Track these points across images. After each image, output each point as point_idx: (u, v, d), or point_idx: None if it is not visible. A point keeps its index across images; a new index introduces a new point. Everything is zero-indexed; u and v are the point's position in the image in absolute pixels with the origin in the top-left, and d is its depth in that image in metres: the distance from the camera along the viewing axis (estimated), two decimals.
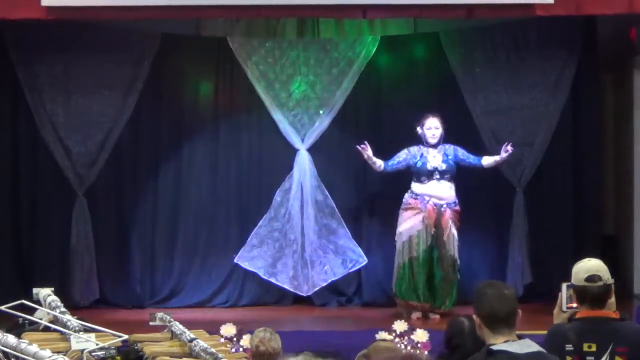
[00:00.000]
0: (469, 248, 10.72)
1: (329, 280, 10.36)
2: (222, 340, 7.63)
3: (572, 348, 4.44)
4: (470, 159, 9.77)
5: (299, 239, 10.35)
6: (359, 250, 10.34)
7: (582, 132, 10.59)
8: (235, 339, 8.36)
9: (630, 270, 10.39)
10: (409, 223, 9.64)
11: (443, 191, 9.63)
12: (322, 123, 10.44)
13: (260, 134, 10.80)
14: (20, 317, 5.29)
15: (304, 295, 10.41)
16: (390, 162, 9.72)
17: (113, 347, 4.57)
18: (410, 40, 10.82)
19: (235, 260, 10.44)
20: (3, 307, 4.98)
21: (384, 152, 10.21)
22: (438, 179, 9.62)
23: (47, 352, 3.48)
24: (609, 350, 4.46)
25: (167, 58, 10.53)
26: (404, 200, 9.73)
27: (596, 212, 10.71)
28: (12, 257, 10.42)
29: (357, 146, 9.64)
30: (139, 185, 10.75)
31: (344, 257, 10.41)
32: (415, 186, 9.70)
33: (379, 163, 9.70)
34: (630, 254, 10.46)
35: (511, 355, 3.82)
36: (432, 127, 9.71)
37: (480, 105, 10.37)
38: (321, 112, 10.47)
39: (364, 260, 10.34)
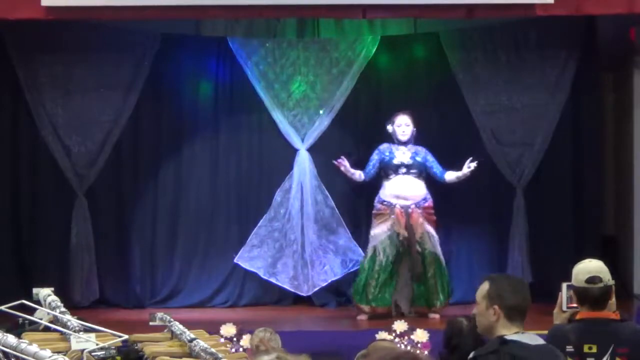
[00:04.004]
0: (469, 248, 10.73)
1: (329, 280, 10.37)
2: (222, 340, 7.63)
3: (572, 349, 4.44)
4: (435, 169, 9.77)
5: (299, 239, 10.36)
6: (359, 250, 10.33)
7: (582, 132, 10.59)
8: (235, 339, 8.36)
9: (630, 270, 10.40)
10: (377, 229, 9.66)
11: (408, 188, 9.62)
12: (322, 123, 10.45)
13: (260, 134, 10.81)
14: (20, 317, 5.28)
15: (304, 295, 10.41)
16: (367, 169, 9.78)
17: (113, 347, 4.57)
18: (410, 40, 10.83)
19: (235, 260, 10.45)
20: (3, 307, 4.97)
21: None
22: (404, 174, 9.61)
23: (47, 352, 3.48)
24: (609, 351, 4.47)
25: (167, 58, 10.54)
26: (374, 205, 9.77)
27: (596, 212, 10.71)
28: (12, 257, 10.42)
29: (334, 161, 9.65)
30: (139, 185, 10.76)
31: (344, 257, 10.41)
32: (384, 185, 9.70)
33: (358, 173, 9.76)
34: (630, 254, 10.46)
35: (523, 345, 3.88)
36: (402, 124, 9.72)
37: (480, 105, 10.38)
38: (321, 112, 10.48)
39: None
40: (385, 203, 9.67)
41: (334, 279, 10.36)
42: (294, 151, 10.41)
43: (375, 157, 9.78)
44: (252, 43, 10.62)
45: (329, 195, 10.36)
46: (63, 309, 5.21)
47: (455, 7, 9.11)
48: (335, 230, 10.39)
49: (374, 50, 10.58)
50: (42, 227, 10.46)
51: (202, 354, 4.61)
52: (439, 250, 9.73)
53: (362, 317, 9.70)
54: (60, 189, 10.41)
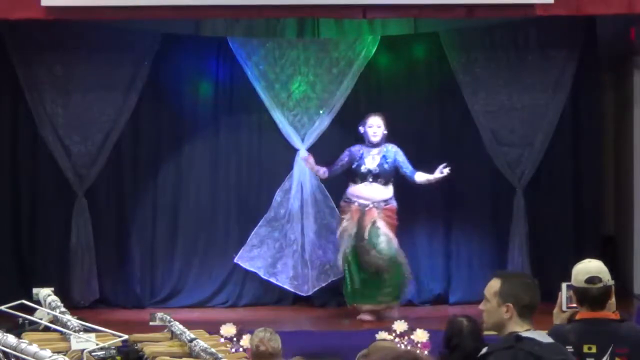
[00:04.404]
0: (469, 248, 10.74)
1: (329, 280, 10.36)
2: (222, 340, 7.63)
3: (572, 349, 4.44)
4: (405, 168, 9.74)
5: (299, 239, 10.36)
6: None
7: (582, 132, 10.59)
8: (235, 339, 8.36)
9: (630, 270, 10.40)
10: (341, 227, 9.71)
11: (372, 193, 9.64)
12: (322, 123, 10.45)
13: (260, 134, 10.80)
14: (20, 317, 5.29)
15: (304, 295, 10.41)
16: (334, 168, 9.79)
17: (113, 347, 4.58)
18: (410, 40, 10.82)
19: (235, 260, 10.44)
20: (3, 307, 4.98)
21: None
22: (370, 182, 9.62)
23: (47, 352, 3.48)
24: (609, 352, 4.47)
25: (167, 58, 10.54)
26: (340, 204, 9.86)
27: (596, 212, 10.71)
28: (12, 257, 10.42)
29: (300, 156, 9.66)
30: (139, 185, 10.75)
31: None
32: (350, 187, 9.74)
33: (323, 170, 9.76)
34: (630, 254, 10.46)
35: (536, 342, 3.93)
36: (373, 126, 9.71)
37: (480, 105, 10.38)
38: (321, 112, 10.48)
39: None
40: (346, 200, 9.74)
41: (334, 279, 10.35)
42: (294, 151, 10.41)
43: (344, 158, 9.77)
44: (252, 43, 10.61)
45: (329, 195, 10.36)
46: (63, 309, 5.22)
47: (455, 7, 9.11)
48: (335, 230, 10.37)
49: (374, 50, 10.57)
50: (42, 227, 10.46)
51: (202, 354, 4.62)
52: (394, 252, 9.68)
53: (365, 317, 9.67)
54: (60, 189, 10.40)
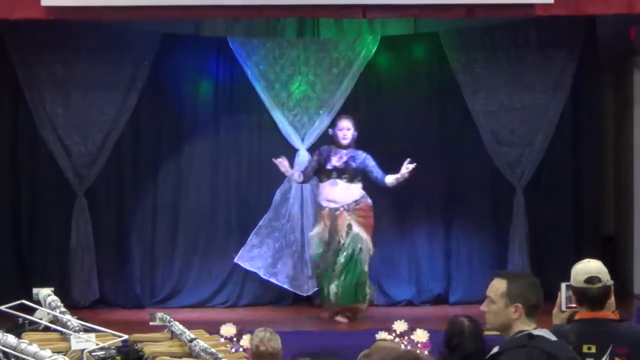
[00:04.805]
0: (468, 248, 10.74)
1: None
2: (222, 340, 7.63)
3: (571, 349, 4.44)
4: (375, 173, 9.67)
5: (299, 239, 10.36)
6: None
7: (582, 132, 10.60)
8: (235, 339, 8.36)
9: (630, 270, 10.40)
10: (313, 231, 9.70)
11: (338, 192, 9.59)
12: (322, 123, 10.45)
13: (260, 134, 10.80)
14: (20, 317, 5.29)
15: (304, 295, 10.41)
16: (306, 170, 9.76)
17: (113, 347, 4.57)
18: (410, 40, 10.82)
19: (235, 260, 10.44)
20: (3, 307, 4.97)
21: (384, 152, 10.21)
22: (334, 178, 9.60)
23: (47, 352, 3.48)
24: (608, 351, 4.47)
25: (167, 58, 10.54)
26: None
27: (596, 212, 10.72)
28: (12, 257, 10.42)
29: (274, 160, 9.63)
30: (139, 185, 10.75)
31: None
32: (319, 188, 9.74)
33: (297, 173, 9.71)
34: (630, 254, 10.47)
35: (546, 340, 3.96)
36: (344, 128, 9.68)
37: (480, 105, 10.38)
38: (321, 112, 10.48)
39: None
40: (319, 205, 9.70)
41: None
42: (294, 151, 10.41)
43: (314, 159, 9.75)
44: (252, 43, 10.62)
45: None
46: (63, 309, 5.21)
47: (455, 7, 9.11)
48: None
49: (374, 50, 10.58)
50: (42, 227, 10.46)
51: (202, 354, 4.62)
52: (364, 252, 9.65)
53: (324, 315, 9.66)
54: (60, 189, 10.41)
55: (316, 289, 10.27)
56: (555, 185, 10.59)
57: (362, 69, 10.53)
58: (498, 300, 4.07)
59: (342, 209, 9.56)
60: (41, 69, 10.25)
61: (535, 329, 4.01)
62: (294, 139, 10.43)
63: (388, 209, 10.71)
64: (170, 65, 10.63)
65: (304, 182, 9.89)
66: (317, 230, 9.67)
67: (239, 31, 10.76)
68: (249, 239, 10.42)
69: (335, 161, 9.60)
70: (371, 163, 9.64)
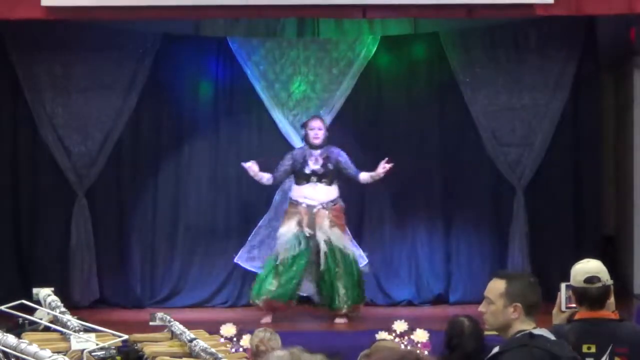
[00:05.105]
0: (468, 248, 10.73)
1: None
2: (222, 340, 7.63)
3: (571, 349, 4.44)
4: (349, 169, 9.68)
5: None
6: (360, 250, 10.32)
7: (582, 132, 10.59)
8: (235, 339, 8.36)
9: (630, 270, 10.40)
10: (284, 228, 9.61)
11: (318, 194, 9.58)
12: None
13: (260, 134, 10.80)
14: (20, 317, 5.29)
15: (304, 295, 10.39)
16: (276, 173, 9.67)
17: (113, 347, 4.57)
18: (410, 40, 10.82)
19: (235, 260, 10.43)
20: (3, 307, 4.97)
21: (384, 152, 10.20)
22: (315, 182, 9.58)
23: (47, 352, 3.48)
24: (608, 351, 4.47)
25: (167, 58, 10.54)
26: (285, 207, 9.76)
27: (596, 212, 10.71)
28: (12, 257, 10.42)
29: (242, 164, 9.61)
30: (139, 185, 10.75)
31: None
32: (294, 189, 9.68)
33: (267, 177, 9.62)
34: (630, 254, 10.47)
35: (546, 339, 3.96)
36: (315, 128, 9.66)
37: (481, 105, 10.38)
38: (321, 112, 10.47)
39: (364, 261, 10.31)
40: (292, 202, 9.66)
41: None
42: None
43: (287, 162, 9.67)
44: (252, 43, 10.62)
45: None
46: (63, 309, 5.21)
47: (455, 7, 9.11)
48: None
49: (374, 50, 10.58)
50: (42, 226, 10.46)
51: (202, 354, 4.61)
52: (351, 251, 9.66)
53: (267, 319, 9.48)
54: (60, 189, 10.41)
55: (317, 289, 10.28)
56: (555, 185, 10.59)
57: (362, 69, 10.53)
58: (497, 300, 4.07)
59: (320, 206, 9.55)
60: (41, 69, 10.26)
61: (535, 328, 4.01)
62: (294, 139, 10.42)
63: (388, 209, 10.72)
64: (170, 65, 10.63)
65: (274, 184, 9.82)
66: (288, 226, 9.57)
67: (239, 31, 10.77)
68: (248, 239, 10.40)
69: (313, 164, 9.58)
70: (343, 160, 9.66)
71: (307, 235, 9.49)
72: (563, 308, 4.66)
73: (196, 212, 10.77)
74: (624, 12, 9.11)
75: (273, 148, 10.66)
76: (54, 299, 5.36)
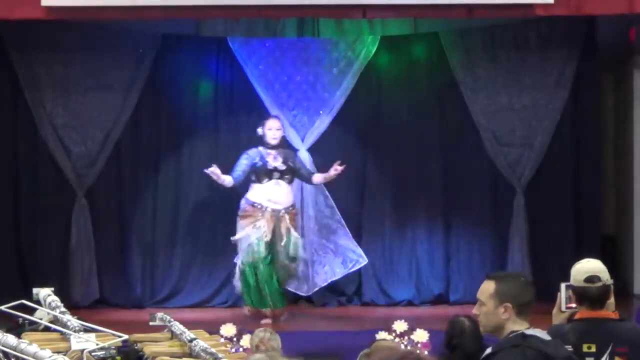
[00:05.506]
0: (469, 248, 10.73)
1: (329, 280, 10.36)
2: (222, 340, 7.63)
3: (571, 349, 4.44)
4: (303, 170, 9.73)
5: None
6: (359, 250, 10.33)
7: (582, 132, 10.59)
8: (235, 339, 8.36)
9: (630, 270, 10.40)
10: (246, 231, 9.56)
11: (280, 194, 9.57)
12: (322, 123, 10.44)
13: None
14: (20, 317, 5.28)
15: (304, 295, 10.40)
16: (235, 174, 9.62)
17: (113, 347, 4.57)
18: (410, 40, 10.82)
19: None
20: (3, 307, 4.97)
21: (384, 152, 10.22)
22: (277, 179, 9.57)
23: (47, 352, 3.48)
24: (608, 351, 4.47)
25: (167, 58, 10.54)
26: (240, 207, 9.66)
27: (596, 212, 10.71)
28: (12, 256, 10.42)
29: (205, 170, 9.58)
30: (139, 185, 10.75)
31: (344, 257, 10.39)
32: (254, 188, 9.62)
33: (229, 179, 9.57)
34: (630, 254, 10.47)
35: (539, 339, 3.95)
36: (272, 128, 9.65)
37: (481, 106, 10.38)
38: (321, 112, 10.47)
39: (364, 261, 10.33)
40: (256, 205, 9.59)
41: (334, 279, 10.35)
42: (294, 151, 10.39)
43: (244, 162, 9.64)
44: (252, 43, 10.62)
45: (329, 195, 10.35)
46: (63, 309, 5.21)
47: (455, 7, 9.11)
48: (335, 230, 10.38)
49: (374, 50, 10.57)
50: (42, 227, 10.46)
51: (202, 354, 4.61)
52: (300, 253, 9.68)
53: (267, 321, 9.43)
54: (60, 189, 10.41)
55: (316, 289, 10.29)
56: (555, 186, 10.59)
57: (362, 69, 10.52)
58: (488, 301, 4.06)
59: (283, 211, 9.55)
60: (41, 69, 10.26)
61: (528, 328, 3.99)
62: (294, 139, 10.42)
63: (388, 209, 10.72)
64: (170, 65, 10.63)
65: (234, 186, 9.72)
66: (252, 230, 9.51)
67: (239, 31, 10.76)
68: None
69: (273, 161, 9.56)
70: (299, 159, 9.73)
71: (268, 240, 9.47)
72: (563, 308, 4.66)
73: (196, 212, 10.76)
74: (624, 12, 9.11)
75: None
76: (54, 299, 5.35)
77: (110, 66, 10.31)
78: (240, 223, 9.64)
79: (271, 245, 9.51)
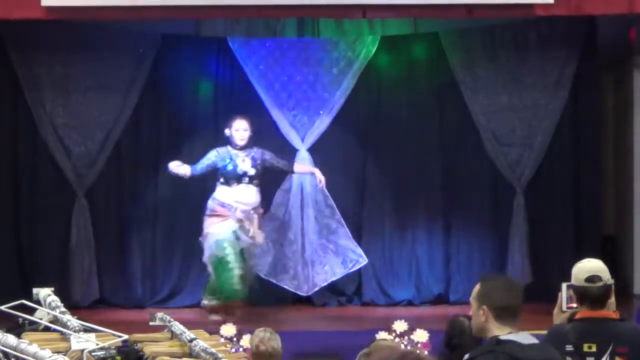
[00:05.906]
0: (469, 248, 10.73)
1: (329, 280, 10.35)
2: (222, 340, 7.63)
3: (572, 348, 4.44)
4: (280, 162, 9.76)
5: (299, 239, 10.35)
6: (359, 250, 10.32)
7: (582, 132, 10.60)
8: (235, 339, 8.36)
9: (630, 270, 10.40)
10: (215, 228, 9.55)
11: (249, 196, 9.59)
12: (322, 123, 10.44)
13: (260, 134, 10.78)
14: (20, 317, 5.28)
15: (304, 295, 10.40)
16: (198, 166, 9.57)
17: (113, 347, 4.56)
18: (410, 40, 10.82)
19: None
20: (3, 307, 4.97)
21: (384, 152, 10.22)
22: (247, 183, 9.58)
23: (47, 352, 3.48)
24: (609, 351, 4.46)
25: (167, 58, 10.54)
26: (208, 206, 9.65)
27: (596, 212, 10.71)
28: (12, 256, 10.42)
29: (167, 169, 9.56)
30: (139, 185, 10.75)
31: (344, 257, 10.38)
32: (222, 189, 9.61)
33: (185, 168, 9.53)
34: (630, 254, 10.47)
35: (516, 344, 3.89)
36: (240, 129, 9.63)
37: (481, 106, 10.38)
38: (321, 112, 10.47)
39: (364, 260, 10.32)
40: (226, 205, 9.58)
41: (334, 279, 10.35)
42: (294, 151, 10.40)
43: (212, 158, 9.61)
44: (252, 43, 10.62)
45: (329, 195, 10.34)
46: (63, 309, 5.20)
47: (455, 7, 9.11)
48: (335, 230, 10.37)
49: (374, 50, 10.57)
50: (42, 227, 10.46)
51: (202, 354, 4.61)
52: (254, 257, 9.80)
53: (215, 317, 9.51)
54: (60, 189, 10.41)
55: (316, 289, 10.29)
56: (555, 185, 10.59)
57: (362, 69, 10.52)
58: (473, 302, 4.08)
59: (252, 211, 9.58)
60: (41, 69, 10.26)
61: (509, 333, 3.94)
62: (294, 139, 10.42)
63: (388, 209, 10.72)
64: (170, 65, 10.63)
65: (192, 176, 9.59)
66: (221, 228, 9.52)
67: (239, 31, 10.75)
68: None
69: (242, 164, 9.54)
70: (269, 156, 9.70)
71: (238, 237, 9.48)
72: (564, 308, 4.66)
73: (196, 212, 10.73)
74: (624, 12, 9.11)
75: (273, 148, 10.66)
76: (54, 299, 5.35)
77: (110, 66, 10.31)
78: (208, 221, 9.65)
79: (238, 241, 9.51)
